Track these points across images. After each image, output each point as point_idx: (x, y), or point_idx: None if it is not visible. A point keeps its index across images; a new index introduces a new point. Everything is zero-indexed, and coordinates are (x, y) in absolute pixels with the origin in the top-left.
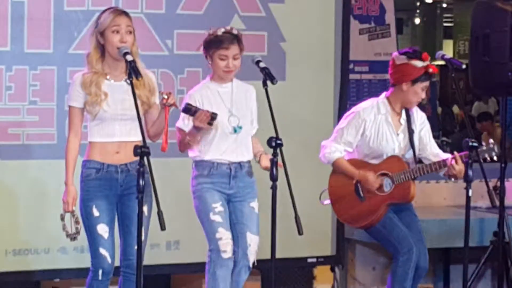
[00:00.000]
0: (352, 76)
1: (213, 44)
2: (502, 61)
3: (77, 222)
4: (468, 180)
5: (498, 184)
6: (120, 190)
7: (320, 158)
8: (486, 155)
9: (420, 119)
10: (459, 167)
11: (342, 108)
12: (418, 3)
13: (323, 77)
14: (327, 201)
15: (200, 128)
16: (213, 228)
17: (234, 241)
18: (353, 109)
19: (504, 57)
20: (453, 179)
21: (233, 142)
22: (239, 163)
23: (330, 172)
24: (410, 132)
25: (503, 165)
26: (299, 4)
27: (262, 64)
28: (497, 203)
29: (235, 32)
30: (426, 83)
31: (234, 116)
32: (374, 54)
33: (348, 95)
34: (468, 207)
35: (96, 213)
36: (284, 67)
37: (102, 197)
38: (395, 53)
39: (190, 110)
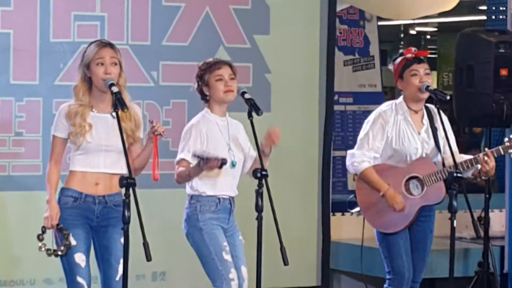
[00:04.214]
0: (336, 107)
1: (206, 70)
2: (486, 92)
3: (65, 235)
4: (452, 211)
5: (483, 214)
6: (96, 221)
7: (347, 167)
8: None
9: (445, 120)
10: (492, 163)
11: (327, 139)
12: (402, 35)
13: (308, 108)
14: (356, 209)
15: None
16: (227, 268)
17: None
18: (372, 114)
19: (488, 88)
20: (482, 177)
21: (232, 177)
22: (233, 198)
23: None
24: (434, 130)
25: (487, 195)
26: (284, 35)
27: (247, 96)
28: (482, 233)
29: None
30: (414, 67)
31: (231, 150)
32: (358, 85)
33: (333, 126)
34: (452, 237)
35: (73, 242)
36: (269, 99)
37: (79, 226)
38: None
39: (202, 159)
